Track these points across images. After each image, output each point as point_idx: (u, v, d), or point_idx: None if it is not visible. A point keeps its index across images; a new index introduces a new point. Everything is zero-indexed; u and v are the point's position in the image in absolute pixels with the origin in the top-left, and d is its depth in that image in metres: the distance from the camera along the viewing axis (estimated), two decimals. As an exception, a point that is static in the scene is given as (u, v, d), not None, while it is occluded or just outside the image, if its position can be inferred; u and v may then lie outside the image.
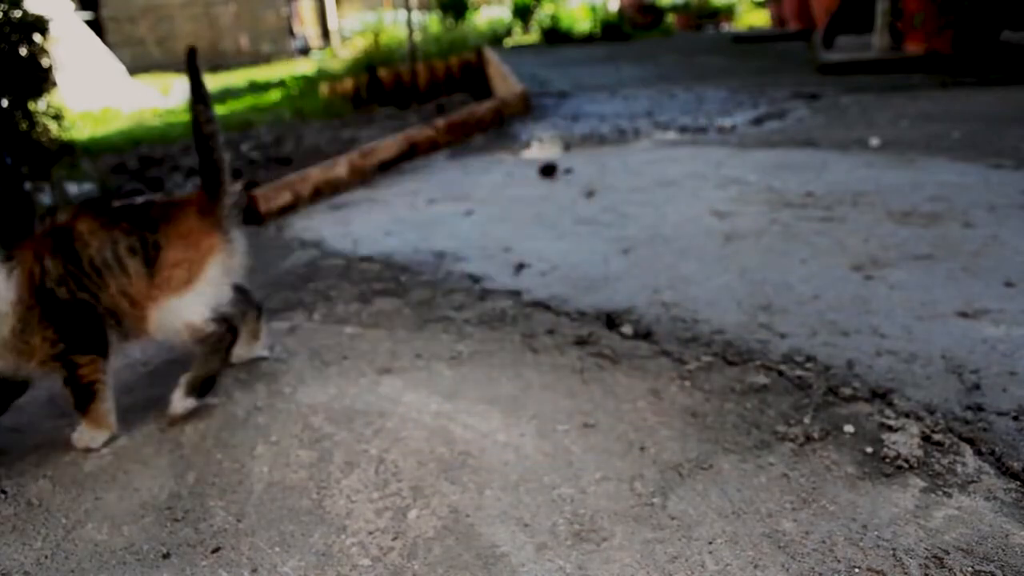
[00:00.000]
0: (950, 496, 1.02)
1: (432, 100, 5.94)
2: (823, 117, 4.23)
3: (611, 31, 12.54)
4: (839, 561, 0.91)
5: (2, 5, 3.04)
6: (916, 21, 5.94)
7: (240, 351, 1.62)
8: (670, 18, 15.55)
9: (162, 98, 8.24)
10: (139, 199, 1.39)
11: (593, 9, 13.57)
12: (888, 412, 1.25)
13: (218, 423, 1.43)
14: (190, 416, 1.45)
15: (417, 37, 6.68)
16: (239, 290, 1.53)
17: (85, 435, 1.37)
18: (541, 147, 4.10)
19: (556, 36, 12.73)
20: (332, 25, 17.37)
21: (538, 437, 1.24)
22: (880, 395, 1.30)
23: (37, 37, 3.15)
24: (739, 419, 1.26)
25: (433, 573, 0.94)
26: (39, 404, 1.57)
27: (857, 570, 0.90)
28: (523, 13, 14.22)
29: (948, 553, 0.91)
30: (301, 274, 2.23)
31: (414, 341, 1.68)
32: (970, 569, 0.88)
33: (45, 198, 3.16)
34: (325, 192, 3.28)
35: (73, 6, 8.40)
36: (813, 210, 2.48)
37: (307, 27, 17.43)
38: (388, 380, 1.51)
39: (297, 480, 1.21)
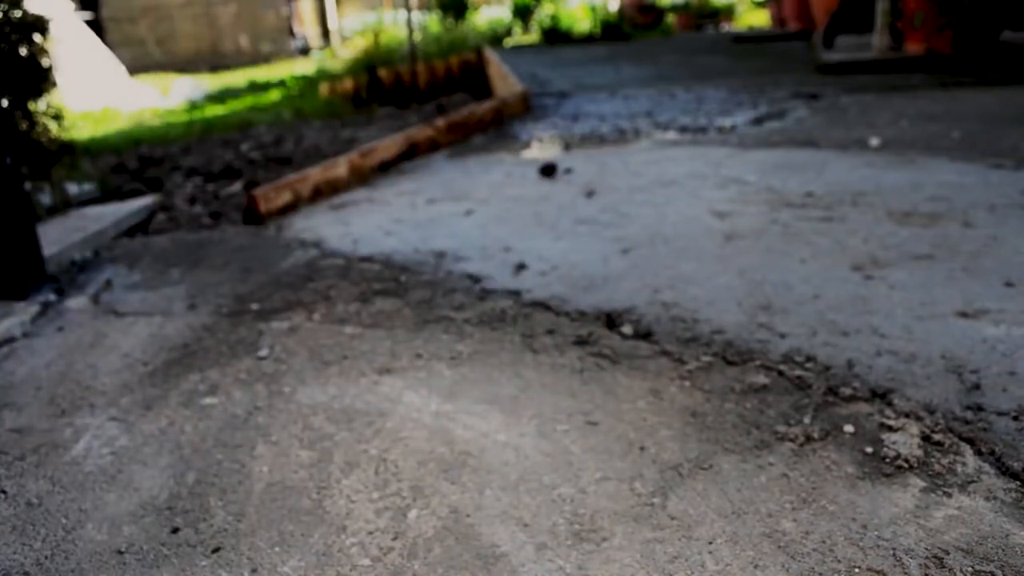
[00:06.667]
0: (950, 496, 1.02)
1: (432, 100, 5.94)
2: (823, 117, 4.23)
3: (611, 31, 12.54)
4: (839, 561, 0.91)
5: (2, 5, 3.04)
6: (916, 21, 5.94)
7: None
8: (670, 18, 15.55)
9: (162, 98, 8.23)
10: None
11: (593, 9, 13.58)
12: (888, 412, 1.25)
13: (218, 423, 1.43)
14: (190, 416, 1.45)
15: (417, 37, 6.68)
16: None
17: None
18: (541, 147, 4.10)
19: (556, 36, 12.72)
20: (332, 25, 17.36)
21: (538, 437, 1.24)
22: (880, 395, 1.30)
23: (37, 37, 3.15)
24: (739, 419, 1.26)
25: (433, 573, 0.94)
26: (39, 404, 1.57)
27: (857, 570, 0.90)
28: (523, 13, 14.22)
29: (948, 553, 0.91)
30: (301, 274, 2.23)
31: (414, 341, 1.67)
32: (970, 569, 0.88)
33: (45, 198, 3.16)
34: (325, 192, 3.28)
35: (73, 6, 8.40)
36: (813, 210, 2.47)
37: (307, 27, 17.43)
38: (388, 380, 1.51)
39: (297, 480, 1.21)
